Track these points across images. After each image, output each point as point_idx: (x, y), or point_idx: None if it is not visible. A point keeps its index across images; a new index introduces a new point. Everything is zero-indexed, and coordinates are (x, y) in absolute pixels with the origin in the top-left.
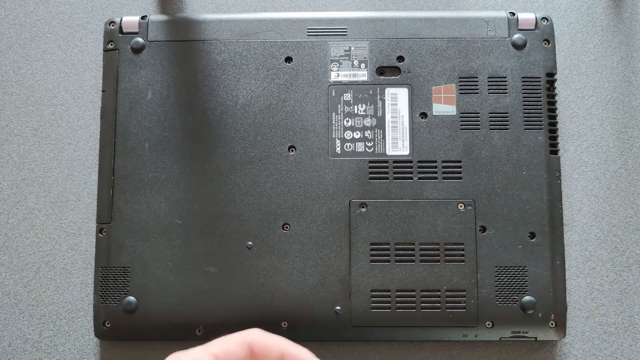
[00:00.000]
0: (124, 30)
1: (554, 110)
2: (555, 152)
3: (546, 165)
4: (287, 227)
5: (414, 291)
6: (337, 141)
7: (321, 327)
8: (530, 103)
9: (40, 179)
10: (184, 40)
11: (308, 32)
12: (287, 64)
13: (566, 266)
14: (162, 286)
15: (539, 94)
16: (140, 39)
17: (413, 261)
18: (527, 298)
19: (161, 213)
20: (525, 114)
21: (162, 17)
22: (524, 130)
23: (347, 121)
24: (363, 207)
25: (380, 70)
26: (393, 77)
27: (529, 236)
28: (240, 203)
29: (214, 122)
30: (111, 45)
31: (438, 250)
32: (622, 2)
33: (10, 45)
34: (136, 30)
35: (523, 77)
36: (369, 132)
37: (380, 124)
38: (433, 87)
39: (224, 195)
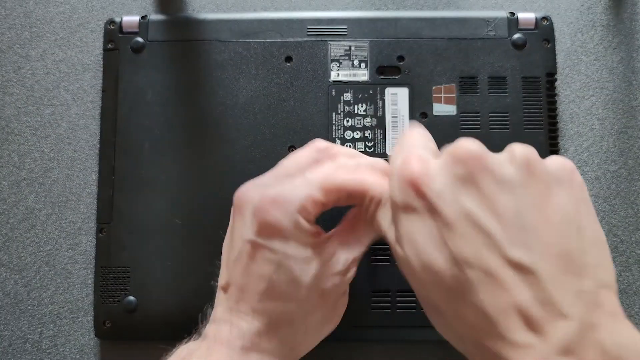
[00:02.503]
0: (124, 30)
1: (554, 110)
2: (556, 152)
3: None
4: None
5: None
6: (337, 141)
7: None
8: (530, 103)
9: (40, 179)
10: (184, 40)
11: (308, 32)
12: (287, 63)
13: None
14: (162, 286)
15: (539, 94)
16: (140, 39)
17: None
18: None
19: (161, 213)
20: (525, 114)
21: (162, 17)
22: (524, 130)
23: (347, 121)
24: None
25: (381, 70)
26: (393, 77)
27: None
28: None
29: (214, 122)
30: (111, 45)
31: None
32: (622, 2)
33: (10, 45)
34: (136, 30)
35: (523, 77)
36: (369, 132)
37: (381, 123)
38: (433, 87)
39: (224, 195)
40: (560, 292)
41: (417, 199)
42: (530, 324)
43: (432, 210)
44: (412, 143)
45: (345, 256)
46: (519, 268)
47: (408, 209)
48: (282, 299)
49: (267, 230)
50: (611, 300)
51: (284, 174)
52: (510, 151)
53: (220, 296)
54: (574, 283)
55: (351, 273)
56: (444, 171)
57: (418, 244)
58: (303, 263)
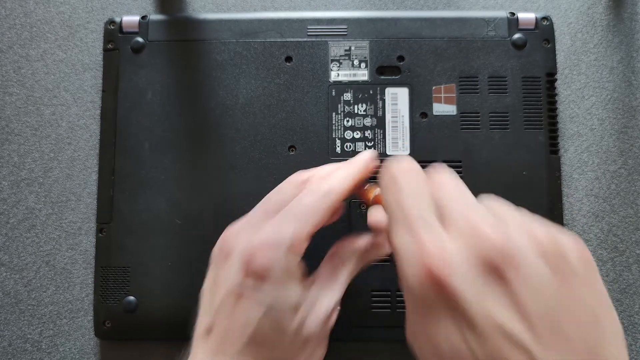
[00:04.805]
0: (124, 30)
1: (554, 110)
2: (556, 152)
3: (546, 165)
4: None
5: None
6: (337, 141)
7: None
8: (531, 103)
9: (40, 179)
10: (184, 40)
11: (308, 32)
12: (287, 63)
13: None
14: (162, 286)
15: (539, 94)
16: (140, 39)
17: None
18: None
19: (161, 213)
20: (526, 114)
21: (162, 17)
22: (524, 130)
23: (347, 121)
24: (363, 207)
25: (381, 70)
26: (393, 77)
27: None
28: (241, 203)
29: (214, 122)
30: (111, 45)
31: None
32: (622, 2)
33: (10, 45)
34: (136, 30)
35: (523, 77)
36: (369, 132)
37: (381, 123)
38: (433, 87)
39: (224, 195)
40: None
41: (438, 294)
42: None
43: (456, 308)
44: (411, 202)
45: (328, 301)
46: None
47: (426, 303)
48: (266, 345)
49: (255, 276)
50: None
51: (271, 210)
52: (538, 243)
53: (199, 340)
54: None
55: (333, 319)
56: (467, 264)
57: (437, 342)
58: (289, 310)
